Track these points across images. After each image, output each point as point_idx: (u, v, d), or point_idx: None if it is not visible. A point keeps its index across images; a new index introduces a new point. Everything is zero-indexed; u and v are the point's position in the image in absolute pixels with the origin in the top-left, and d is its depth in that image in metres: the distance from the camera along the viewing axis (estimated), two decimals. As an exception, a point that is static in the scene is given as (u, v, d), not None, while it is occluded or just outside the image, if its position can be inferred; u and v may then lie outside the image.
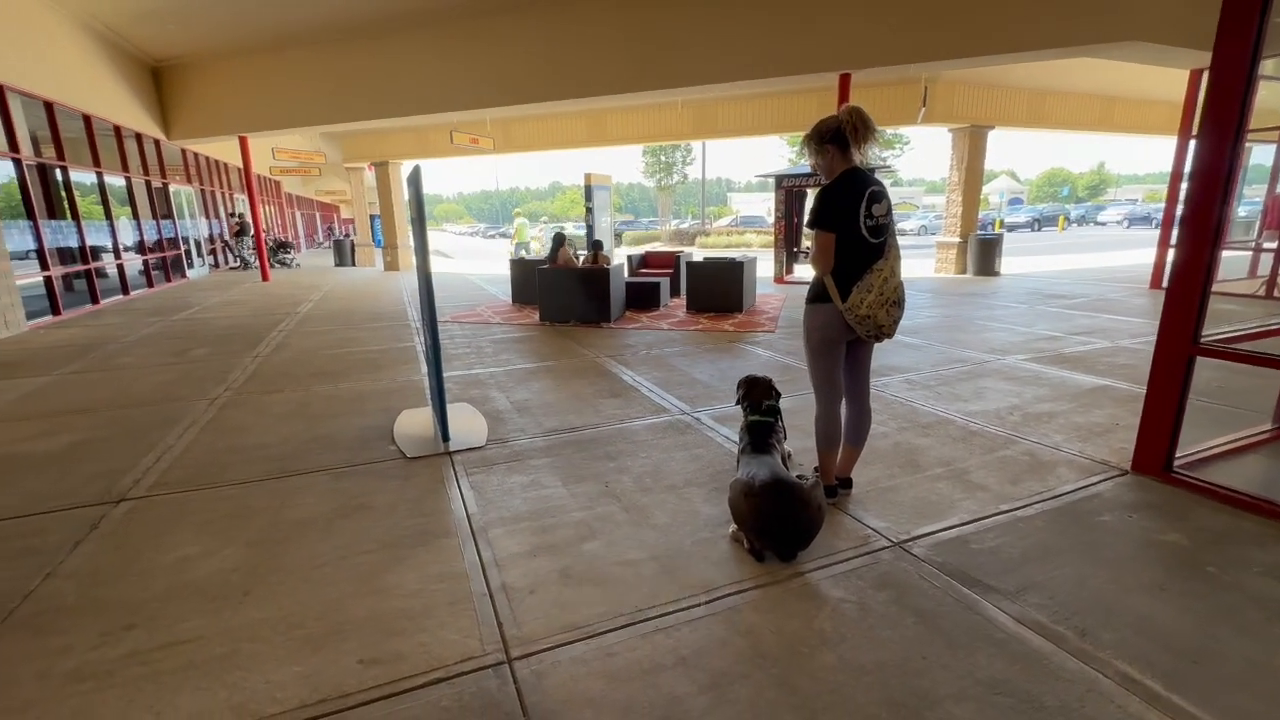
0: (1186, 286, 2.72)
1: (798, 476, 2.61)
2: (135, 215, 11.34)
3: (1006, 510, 2.67)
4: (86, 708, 1.70)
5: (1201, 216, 2.63)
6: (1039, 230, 32.19)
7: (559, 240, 8.29)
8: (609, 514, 2.73)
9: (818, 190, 2.57)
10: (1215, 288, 2.72)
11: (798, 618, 2.01)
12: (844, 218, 2.47)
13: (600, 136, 14.96)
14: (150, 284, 11.68)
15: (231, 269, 16.47)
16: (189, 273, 13.81)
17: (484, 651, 1.88)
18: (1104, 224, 35.14)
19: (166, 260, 12.63)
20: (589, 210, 11.89)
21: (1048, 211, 35.92)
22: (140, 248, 11.46)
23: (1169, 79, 10.53)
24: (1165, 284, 9.39)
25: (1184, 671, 1.74)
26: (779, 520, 2.29)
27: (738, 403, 3.01)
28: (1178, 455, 2.90)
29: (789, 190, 11.90)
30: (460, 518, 2.72)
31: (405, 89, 10.39)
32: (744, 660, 1.82)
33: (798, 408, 3.86)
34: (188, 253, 13.95)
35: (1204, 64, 7.91)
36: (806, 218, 2.56)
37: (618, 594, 2.15)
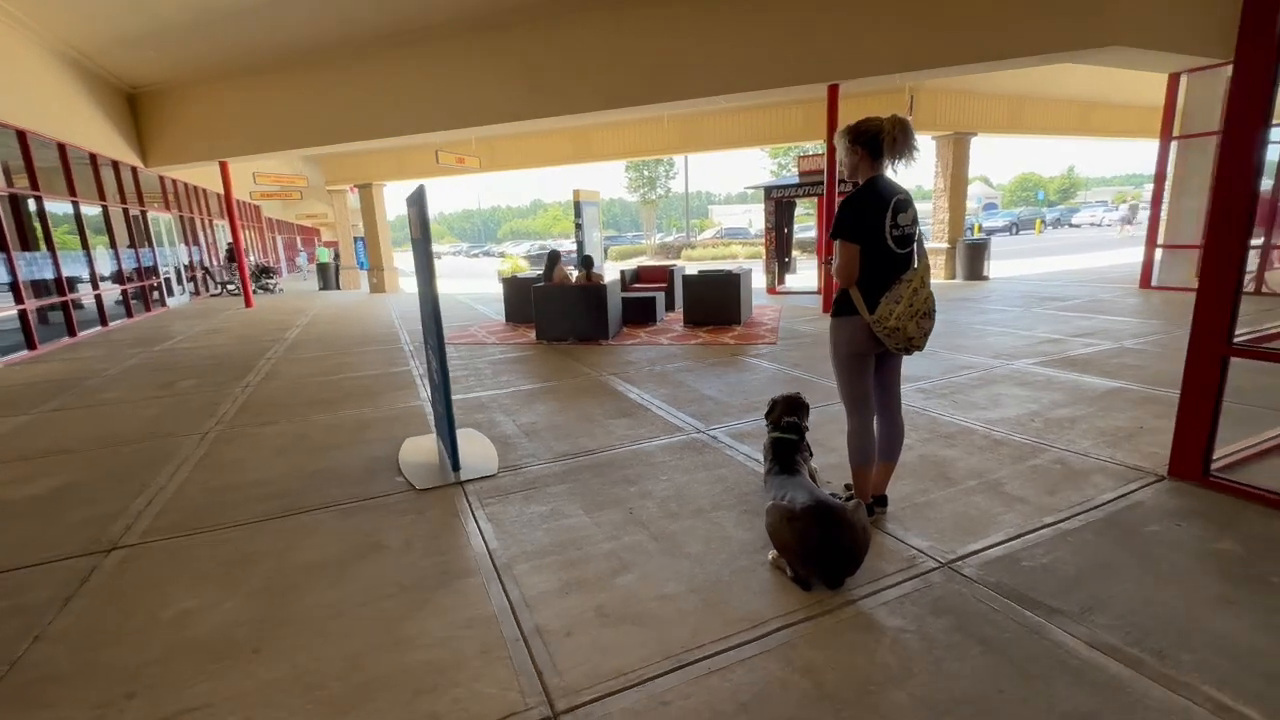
0: (1218, 287, 2.67)
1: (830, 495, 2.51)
2: (113, 244, 11.04)
3: (1051, 523, 2.58)
4: (87, 794, 1.52)
5: (1232, 216, 2.58)
6: (1017, 234, 32.73)
7: (554, 258, 8.17)
8: (638, 543, 2.59)
9: (841, 200, 2.48)
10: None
11: (858, 652, 1.88)
12: (869, 228, 2.39)
13: (586, 153, 14.95)
14: (130, 314, 11.35)
15: (214, 295, 16.13)
16: (169, 301, 13.47)
17: (526, 705, 1.73)
18: (1078, 226, 35.88)
19: (146, 289, 12.30)
20: (578, 226, 11.84)
21: (1025, 215, 36.58)
22: (118, 277, 11.14)
23: (1143, 83, 10.78)
24: (1155, 283, 9.43)
25: (1278, 696, 1.64)
26: (825, 545, 2.17)
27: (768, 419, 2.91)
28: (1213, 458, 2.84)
29: (778, 201, 11.93)
30: (481, 553, 2.57)
31: (387, 110, 10.27)
32: (810, 704, 1.69)
33: (818, 421, 3.75)
34: (167, 281, 13.63)
35: (1182, 67, 8.08)
36: (830, 228, 2.47)
37: (661, 632, 2.01)
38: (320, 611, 2.21)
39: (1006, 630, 1.94)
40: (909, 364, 5.32)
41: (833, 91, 8.22)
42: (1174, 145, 8.78)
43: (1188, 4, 7.10)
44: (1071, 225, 36.79)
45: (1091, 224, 35.35)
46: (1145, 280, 9.30)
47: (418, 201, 3.11)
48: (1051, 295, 9.29)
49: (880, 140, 2.35)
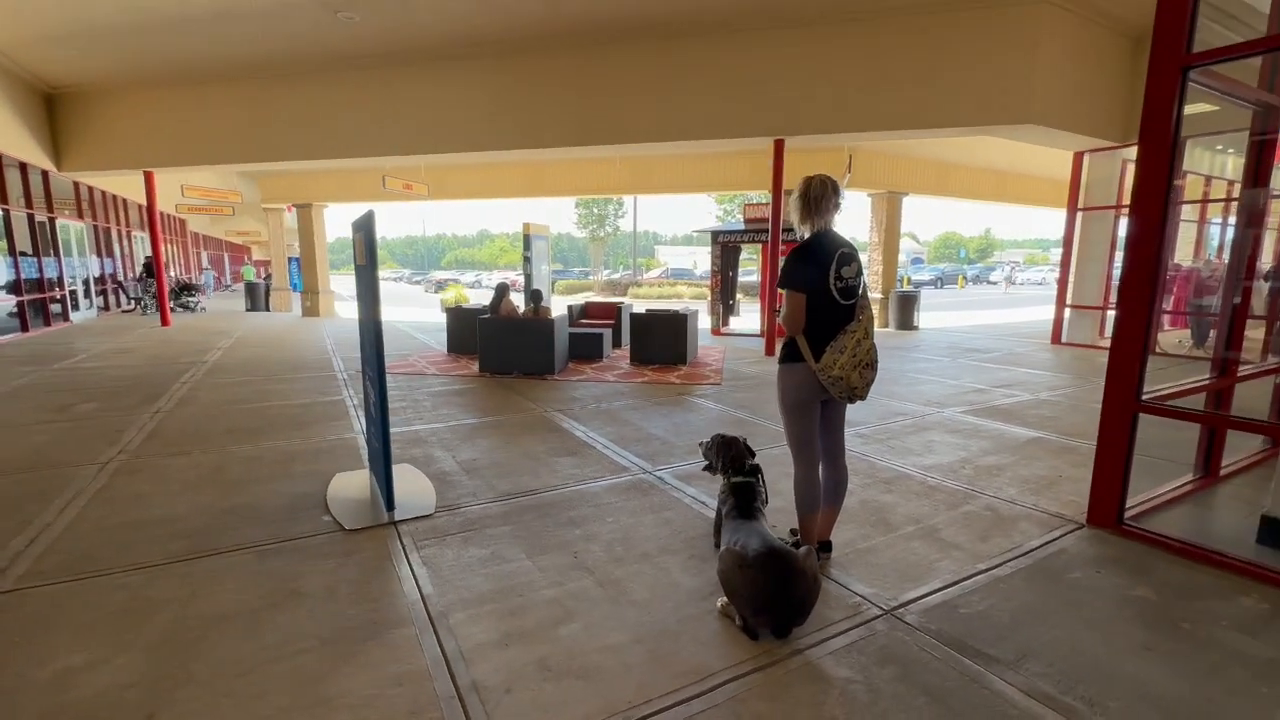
0: (1128, 348, 2.90)
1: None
2: (12, 251, 10.12)
3: (984, 570, 2.66)
4: None
5: (1141, 283, 2.82)
6: (941, 288, 34.93)
7: (502, 290, 8.07)
8: (582, 590, 2.50)
9: (789, 251, 2.57)
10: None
11: (807, 706, 1.85)
12: (814, 279, 2.48)
13: (538, 187, 15.02)
14: (25, 328, 10.36)
15: (125, 311, 14.98)
16: (73, 316, 12.40)
17: (459, 774, 1.60)
18: (995, 283, 38.75)
19: (46, 301, 11.29)
20: (527, 259, 11.77)
21: (949, 271, 39.17)
22: (15, 288, 10.19)
23: (1053, 159, 11.88)
24: (1064, 339, 10.16)
25: (1195, 742, 1.71)
26: (777, 593, 2.15)
27: (707, 467, 2.91)
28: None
29: (725, 245, 12.29)
30: (414, 601, 2.41)
31: (337, 131, 10.02)
32: (760, 763, 1.64)
33: (763, 465, 3.78)
34: (73, 293, 12.57)
35: (1085, 147, 8.96)
36: (778, 278, 2.55)
37: (606, 688, 1.92)
38: (228, 669, 2.00)
39: (949, 679, 1.97)
40: (848, 410, 5.49)
41: (778, 146, 8.63)
42: (1079, 215, 9.66)
43: (1091, 92, 7.94)
44: (990, 282, 39.67)
45: (1007, 281, 38.29)
46: (1056, 336, 10.05)
47: (364, 227, 3.00)
48: (974, 347, 9.88)
49: (812, 195, 2.48)
